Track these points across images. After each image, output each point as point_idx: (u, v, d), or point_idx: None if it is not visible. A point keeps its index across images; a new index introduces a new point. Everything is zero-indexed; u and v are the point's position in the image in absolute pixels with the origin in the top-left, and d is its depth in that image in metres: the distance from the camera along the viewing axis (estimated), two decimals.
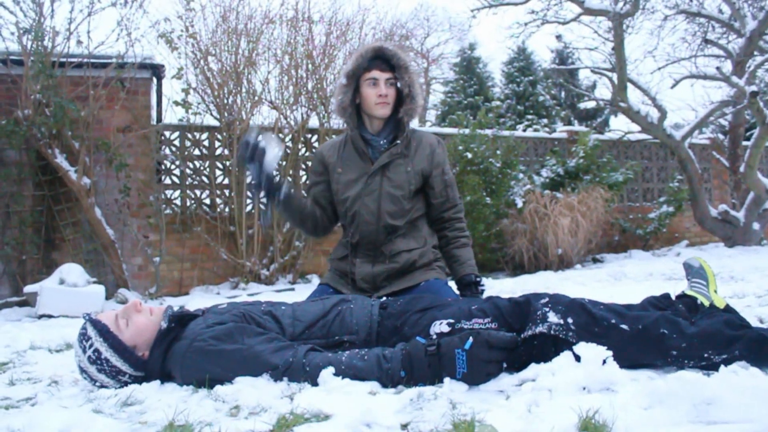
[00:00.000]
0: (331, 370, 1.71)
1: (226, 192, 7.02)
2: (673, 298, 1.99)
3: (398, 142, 2.65)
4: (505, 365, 1.74)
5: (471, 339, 1.68)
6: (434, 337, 1.84)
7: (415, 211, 2.68)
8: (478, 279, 2.65)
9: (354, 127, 2.69)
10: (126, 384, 1.91)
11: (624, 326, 1.74)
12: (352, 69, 2.61)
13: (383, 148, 2.66)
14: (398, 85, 2.60)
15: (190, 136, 6.99)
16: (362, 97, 2.64)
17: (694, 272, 2.10)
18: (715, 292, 2.02)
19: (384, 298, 2.13)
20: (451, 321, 1.89)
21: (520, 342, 1.78)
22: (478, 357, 1.66)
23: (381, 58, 2.61)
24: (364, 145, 2.68)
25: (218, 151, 7.10)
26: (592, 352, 1.63)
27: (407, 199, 2.64)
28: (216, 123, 7.03)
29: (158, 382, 1.89)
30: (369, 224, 2.62)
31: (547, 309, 1.80)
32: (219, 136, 7.06)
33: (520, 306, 1.88)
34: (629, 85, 8.60)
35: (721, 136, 11.06)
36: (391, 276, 2.60)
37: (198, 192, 7.01)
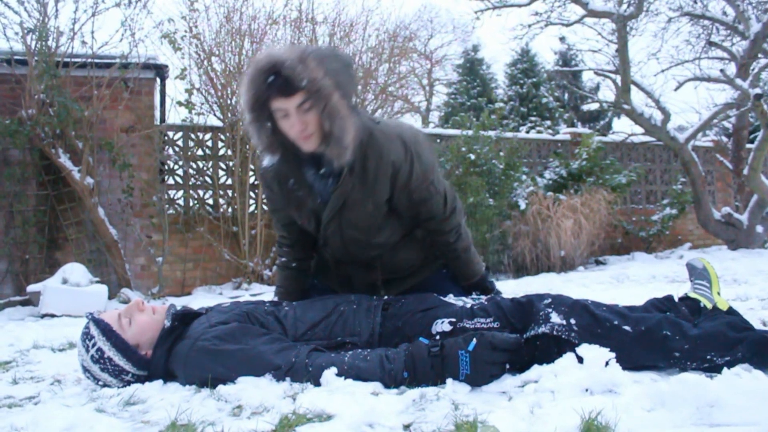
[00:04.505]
0: (333, 370, 1.71)
1: (229, 192, 7.03)
2: (676, 300, 1.99)
3: (346, 173, 2.06)
4: (507, 366, 1.74)
5: (474, 340, 1.67)
6: (437, 337, 1.84)
7: (398, 233, 2.27)
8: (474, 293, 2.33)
9: (291, 163, 2.12)
10: (129, 383, 1.91)
11: (627, 327, 1.74)
12: (250, 101, 1.95)
13: (331, 187, 2.10)
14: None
15: (193, 136, 7.00)
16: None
17: (697, 273, 2.10)
18: (718, 293, 2.01)
19: (386, 297, 2.12)
20: (453, 320, 1.89)
21: (523, 343, 1.78)
22: (481, 358, 1.66)
23: (280, 78, 1.89)
24: (308, 185, 2.15)
25: (221, 152, 7.10)
26: (595, 353, 1.63)
27: (377, 235, 2.20)
28: (219, 123, 7.04)
29: (161, 381, 1.89)
30: (343, 259, 2.31)
31: (550, 310, 1.80)
32: (222, 137, 7.06)
33: (523, 306, 1.88)
34: (633, 87, 8.59)
35: (724, 139, 11.04)
36: (390, 281, 2.38)
37: (201, 192, 7.01)
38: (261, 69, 1.91)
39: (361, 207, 2.11)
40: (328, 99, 1.90)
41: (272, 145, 2.04)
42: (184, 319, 1.99)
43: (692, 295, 1.99)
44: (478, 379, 1.66)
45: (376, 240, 2.21)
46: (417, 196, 2.16)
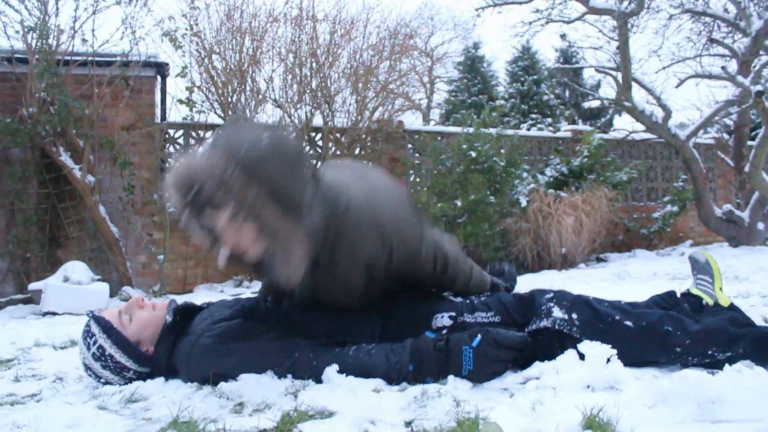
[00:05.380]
0: (335, 367, 1.71)
1: None
2: (678, 295, 1.99)
3: (309, 270, 1.71)
4: (510, 364, 1.74)
5: (479, 336, 1.68)
6: (444, 331, 1.84)
7: (384, 285, 1.96)
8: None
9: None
10: (131, 380, 1.91)
11: (628, 323, 1.74)
12: (178, 207, 1.66)
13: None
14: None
15: (194, 134, 7.00)
16: None
17: (699, 268, 2.09)
18: (720, 289, 2.01)
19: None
20: (453, 314, 1.89)
21: (529, 340, 1.77)
22: (485, 355, 1.67)
23: (202, 195, 1.56)
24: (266, 276, 1.90)
25: None
26: (597, 350, 1.64)
27: (358, 298, 1.92)
28: (220, 121, 7.03)
29: (162, 378, 1.89)
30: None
31: (552, 304, 1.80)
32: None
33: (525, 301, 1.88)
34: (634, 85, 8.58)
35: (726, 136, 11.03)
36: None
37: None
38: (180, 182, 1.59)
39: (333, 289, 1.86)
40: (265, 220, 1.55)
41: (216, 242, 1.72)
42: (185, 313, 1.99)
43: (694, 291, 1.99)
44: (480, 375, 1.67)
45: (358, 301, 1.94)
46: (400, 270, 1.89)
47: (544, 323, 1.77)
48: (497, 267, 2.48)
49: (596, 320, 1.75)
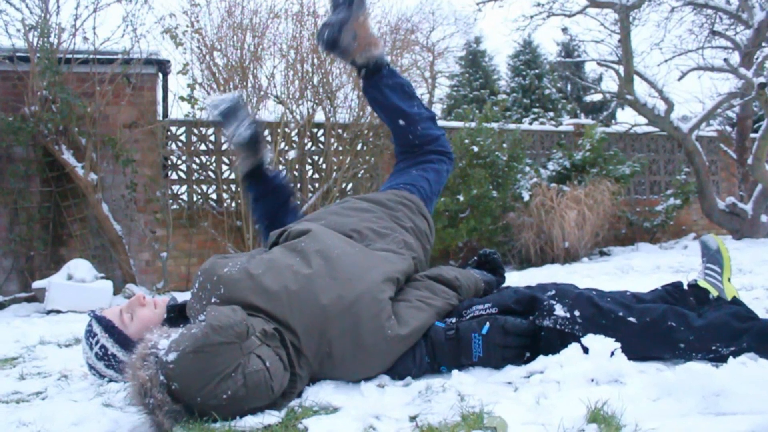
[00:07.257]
0: None
1: (233, 187, 7.03)
2: (686, 286, 1.97)
3: None
4: (528, 354, 1.77)
5: (488, 324, 1.74)
6: (453, 321, 1.86)
7: None
8: None
9: None
10: None
11: (631, 319, 1.73)
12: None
13: None
14: None
15: (196, 131, 7.00)
16: None
17: (710, 255, 2.05)
18: (729, 280, 1.99)
19: None
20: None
21: (540, 328, 1.78)
22: (493, 342, 1.72)
23: None
24: None
25: (224, 146, 7.10)
26: (600, 344, 1.64)
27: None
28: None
29: None
30: None
31: (554, 302, 1.80)
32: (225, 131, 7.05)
33: (525, 296, 1.88)
34: (636, 78, 8.55)
35: (728, 128, 10.99)
36: None
37: (204, 187, 7.02)
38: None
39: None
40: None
41: None
42: (182, 310, 1.99)
43: (702, 284, 1.97)
44: (490, 361, 1.73)
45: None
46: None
47: (547, 322, 1.77)
48: (480, 255, 2.41)
49: (599, 317, 1.75)
